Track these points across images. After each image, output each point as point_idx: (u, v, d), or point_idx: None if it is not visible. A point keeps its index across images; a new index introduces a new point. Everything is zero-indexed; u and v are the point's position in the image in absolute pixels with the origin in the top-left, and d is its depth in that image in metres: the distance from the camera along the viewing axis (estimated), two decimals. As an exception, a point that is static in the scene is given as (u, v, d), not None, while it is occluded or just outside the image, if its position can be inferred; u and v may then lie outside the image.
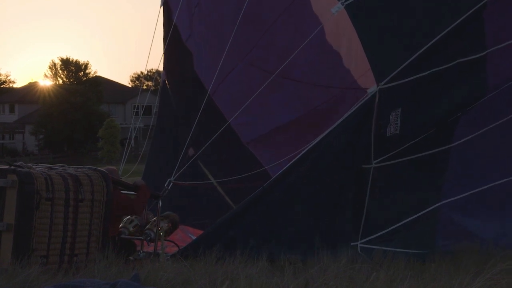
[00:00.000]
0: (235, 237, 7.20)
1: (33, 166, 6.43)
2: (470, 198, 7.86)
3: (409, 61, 7.21)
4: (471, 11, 7.28)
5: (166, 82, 10.58)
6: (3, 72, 62.93)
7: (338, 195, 7.39)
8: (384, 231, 7.44)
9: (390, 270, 5.82)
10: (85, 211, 6.39)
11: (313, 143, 7.29)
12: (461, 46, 7.47)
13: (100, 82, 60.75)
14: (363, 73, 8.75)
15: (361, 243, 7.30)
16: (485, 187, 7.91)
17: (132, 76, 70.81)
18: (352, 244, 7.25)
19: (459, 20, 7.26)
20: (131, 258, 7.21)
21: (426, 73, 7.33)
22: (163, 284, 5.32)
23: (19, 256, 5.82)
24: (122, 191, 7.21)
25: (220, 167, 9.81)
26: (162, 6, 10.16)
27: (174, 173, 7.98)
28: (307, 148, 7.31)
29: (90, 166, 6.91)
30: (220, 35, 9.20)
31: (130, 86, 64.61)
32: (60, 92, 53.27)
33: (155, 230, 7.32)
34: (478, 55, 7.50)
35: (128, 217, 7.44)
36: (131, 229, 7.36)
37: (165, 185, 7.75)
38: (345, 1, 7.39)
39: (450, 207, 7.77)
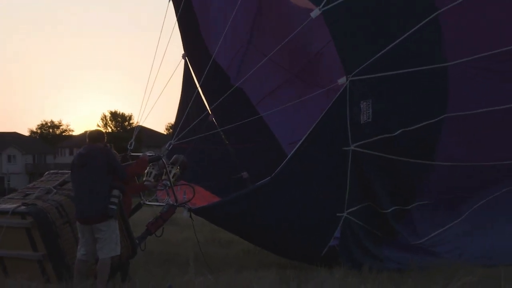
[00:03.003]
0: (249, 207, 8.33)
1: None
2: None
3: (373, 58, 8.12)
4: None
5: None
6: (64, 123, 76.42)
7: (331, 173, 8.37)
8: (361, 205, 8.46)
9: (375, 283, 6.86)
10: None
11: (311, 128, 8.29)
12: (420, 52, 8.34)
13: (141, 131, 63.32)
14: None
15: (347, 213, 8.35)
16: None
17: (167, 125, 76.56)
18: (338, 214, 8.35)
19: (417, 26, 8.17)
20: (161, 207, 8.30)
21: (393, 73, 8.26)
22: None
23: (60, 276, 6.85)
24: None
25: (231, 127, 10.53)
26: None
27: (174, 136, 9.03)
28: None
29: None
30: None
31: (165, 133, 70.75)
32: (109, 139, 55.55)
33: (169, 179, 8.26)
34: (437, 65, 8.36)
35: (146, 170, 8.24)
36: (152, 180, 8.22)
37: (166, 146, 8.76)
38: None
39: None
